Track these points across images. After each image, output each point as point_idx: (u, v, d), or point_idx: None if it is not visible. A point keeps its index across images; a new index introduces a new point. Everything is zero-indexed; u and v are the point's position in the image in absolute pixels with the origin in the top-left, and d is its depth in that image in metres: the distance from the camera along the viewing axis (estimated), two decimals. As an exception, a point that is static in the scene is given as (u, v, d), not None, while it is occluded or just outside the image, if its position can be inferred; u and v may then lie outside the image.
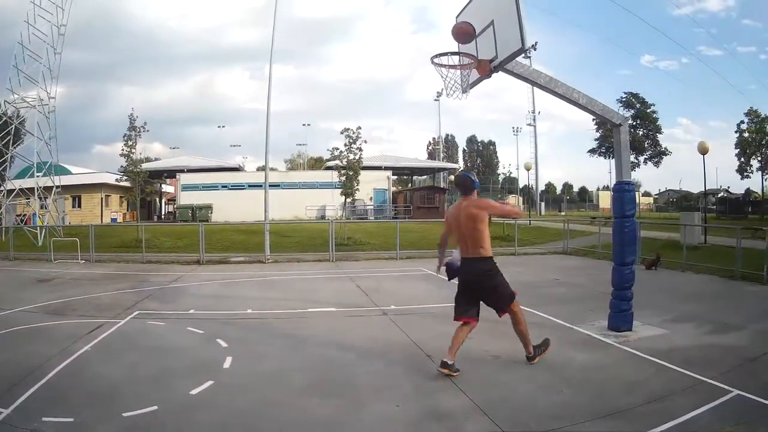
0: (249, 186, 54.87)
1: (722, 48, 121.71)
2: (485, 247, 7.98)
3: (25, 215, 40.02)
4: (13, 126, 36.95)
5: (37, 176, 36.24)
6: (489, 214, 8.14)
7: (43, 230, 30.86)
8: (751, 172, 62.76)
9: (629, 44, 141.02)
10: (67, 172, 50.18)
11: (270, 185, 27.01)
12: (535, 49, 66.74)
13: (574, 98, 9.63)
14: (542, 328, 9.96)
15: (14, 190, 36.87)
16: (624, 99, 64.02)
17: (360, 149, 33.18)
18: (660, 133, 65.42)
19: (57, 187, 37.48)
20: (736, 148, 63.06)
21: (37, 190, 36.30)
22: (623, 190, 9.88)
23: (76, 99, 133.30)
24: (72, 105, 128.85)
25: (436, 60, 9.51)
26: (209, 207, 53.72)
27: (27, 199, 38.18)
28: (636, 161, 62.37)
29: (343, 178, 33.21)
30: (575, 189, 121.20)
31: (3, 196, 37.38)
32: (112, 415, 6.13)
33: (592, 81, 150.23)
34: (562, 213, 78.49)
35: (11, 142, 37.08)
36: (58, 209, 39.81)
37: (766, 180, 62.02)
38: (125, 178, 35.81)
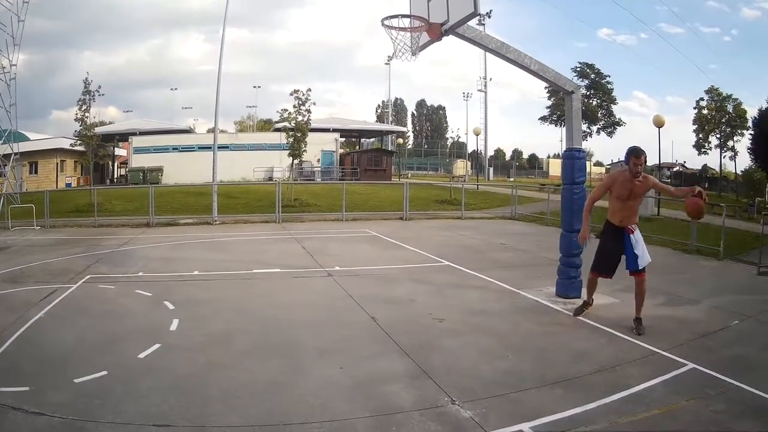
0: (199, 148, 53.24)
1: (684, 26, 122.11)
2: None
3: (-14, 185, 38.74)
4: None
5: None
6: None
7: (1, 198, 30.15)
8: (709, 149, 62.78)
9: (587, 17, 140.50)
10: (26, 139, 48.65)
11: (219, 147, 26.63)
12: (489, 17, 66.12)
13: (526, 64, 9.47)
14: (487, 292, 10.20)
15: None
16: (578, 69, 63.45)
17: (309, 111, 32.78)
18: (614, 104, 65.12)
19: (15, 154, 36.47)
20: (693, 124, 63.14)
21: None
22: (573, 157, 9.79)
23: (35, 65, 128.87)
24: (32, 71, 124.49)
25: (386, 22, 9.45)
26: (160, 169, 52.53)
27: None
28: (588, 131, 61.89)
29: (291, 140, 32.87)
30: (525, 156, 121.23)
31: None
32: (64, 382, 6.12)
33: (549, 52, 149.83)
34: (511, 179, 78.33)
35: None
36: (16, 176, 38.81)
37: (724, 157, 62.59)
38: (79, 142, 35.01)
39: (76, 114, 32.45)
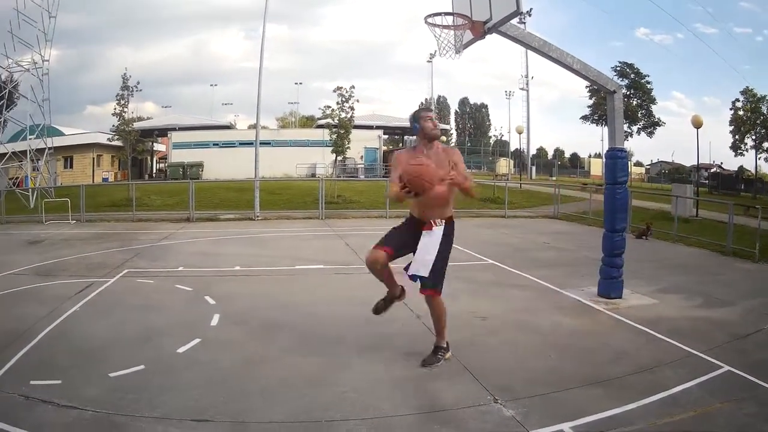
0: (240, 144, 54.01)
1: (718, 27, 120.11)
2: None
3: (17, 178, 39.58)
4: (7, 90, 36.49)
5: (30, 139, 35.84)
6: None
7: (35, 192, 30.61)
8: (746, 150, 61.58)
9: (624, 16, 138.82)
10: (60, 134, 49.52)
11: (261, 143, 26.73)
12: (530, 15, 65.56)
13: (568, 63, 9.47)
14: (530, 290, 10.11)
15: (6, 153, 36.51)
16: (618, 68, 63.13)
17: (352, 108, 33.13)
18: (654, 104, 64.65)
19: (49, 148, 37.10)
20: (730, 125, 61.92)
21: (30, 152, 35.93)
22: (616, 157, 9.75)
23: (70, 61, 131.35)
24: (65, 67, 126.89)
25: (429, 20, 9.36)
26: (200, 165, 53.18)
27: (20, 162, 37.85)
28: (629, 131, 61.46)
29: (335, 137, 33.02)
30: (567, 155, 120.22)
31: (-5, 159, 37.08)
32: (99, 375, 6.07)
33: (585, 50, 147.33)
34: (553, 178, 77.66)
35: (4, 106, 36.68)
36: (50, 171, 39.48)
37: (759, 158, 61.34)
38: (117, 137, 35.54)
39: (114, 109, 33.20)
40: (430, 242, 6.27)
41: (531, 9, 66.26)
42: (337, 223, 22.12)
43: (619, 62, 64.21)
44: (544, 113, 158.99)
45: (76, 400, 5.45)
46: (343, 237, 17.53)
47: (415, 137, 6.63)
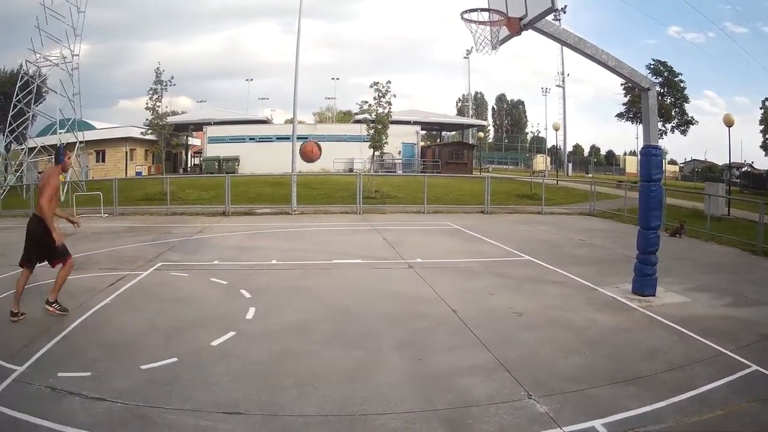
0: (277, 138, 54.11)
1: (748, 26, 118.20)
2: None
3: (48, 172, 40.14)
4: (35, 85, 37.15)
5: (60, 133, 36.48)
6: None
7: (65, 186, 31.05)
8: None
9: (656, 13, 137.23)
10: (91, 128, 50.35)
11: (298, 137, 26.73)
12: (564, 12, 65.46)
13: (603, 59, 9.66)
14: (565, 287, 10.24)
15: (36, 147, 37.12)
16: (652, 66, 62.49)
17: (389, 103, 33.10)
18: (687, 103, 64.09)
19: (80, 142, 37.67)
20: (760, 124, 61.66)
21: (60, 146, 36.37)
22: (650, 154, 9.95)
23: (101, 55, 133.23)
24: (96, 61, 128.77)
25: (466, 16, 9.64)
26: (236, 159, 53.57)
27: (50, 156, 38.45)
28: (663, 128, 60.99)
29: (372, 132, 33.13)
30: (603, 152, 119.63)
31: (24, 154, 37.72)
32: (129, 367, 6.13)
33: (618, 48, 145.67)
34: (589, 175, 77.32)
35: (33, 100, 37.33)
36: (81, 164, 40.06)
37: None
38: (150, 131, 35.95)
39: (147, 103, 33.42)
40: None
41: (565, 6, 66.08)
42: (375, 217, 22.15)
43: (653, 60, 63.41)
44: (580, 110, 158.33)
45: (105, 392, 5.50)
46: (380, 232, 17.52)
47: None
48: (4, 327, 7.58)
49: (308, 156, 7.96)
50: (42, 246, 8.34)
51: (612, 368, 6.36)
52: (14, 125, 37.76)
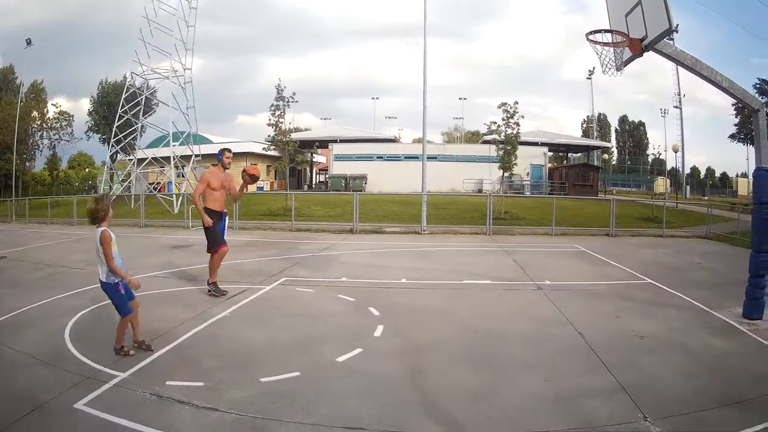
0: (405, 158, 55.13)
1: None
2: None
3: (158, 183, 41.94)
4: (143, 97, 38.74)
5: (174, 145, 38.14)
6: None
7: (180, 197, 31.99)
8: None
9: (762, 31, 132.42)
10: (207, 141, 52.18)
11: (427, 157, 26.90)
12: (677, 32, 63.91)
13: (717, 81, 9.91)
14: (684, 311, 10.32)
15: (146, 159, 38.52)
16: (758, 86, 60.30)
17: (517, 124, 33.93)
18: None
19: (196, 155, 38.93)
20: None
21: (174, 158, 38.07)
22: (763, 177, 9.96)
23: (219, 70, 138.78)
24: (214, 76, 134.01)
25: (590, 37, 10.41)
26: (363, 177, 54.44)
27: (161, 167, 39.87)
28: None
29: (501, 152, 33.34)
30: (717, 174, 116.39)
31: (133, 164, 39.24)
32: (248, 380, 6.17)
33: (725, 68, 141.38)
34: (705, 198, 75.88)
35: (141, 112, 38.87)
36: (197, 177, 41.40)
37: None
38: (273, 147, 36.79)
39: (269, 119, 34.50)
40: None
41: (677, 25, 64.77)
42: (504, 239, 22.03)
43: (759, 79, 61.05)
44: (695, 131, 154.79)
45: (218, 402, 5.55)
46: (510, 253, 17.37)
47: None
48: (107, 335, 7.62)
49: (250, 173, 8.84)
50: (212, 234, 10.84)
51: (722, 392, 6.39)
52: (120, 136, 39.83)
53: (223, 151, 11.26)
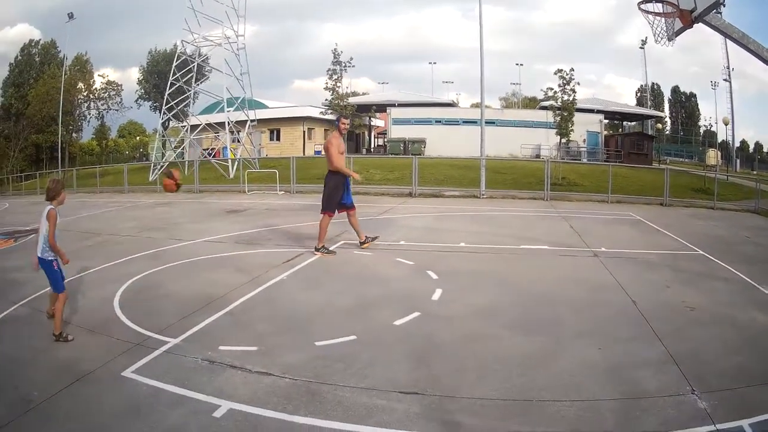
0: (464, 122, 54.55)
1: None
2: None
3: (213, 149, 42.34)
4: (195, 64, 38.99)
5: (228, 111, 38.50)
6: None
7: (236, 163, 32.19)
8: None
9: None
10: (263, 107, 52.61)
11: (485, 122, 26.78)
12: (724, 5, 62.57)
13: (764, 56, 9.89)
14: (732, 284, 10.22)
15: (199, 125, 38.79)
16: None
17: (573, 90, 33.92)
18: None
19: (252, 121, 39.15)
20: None
21: (228, 124, 38.30)
22: None
23: (274, 36, 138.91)
24: (269, 41, 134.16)
25: (642, 6, 10.64)
26: (422, 141, 54.08)
27: (216, 133, 40.12)
28: None
29: (558, 119, 33.13)
30: (765, 150, 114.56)
31: (186, 131, 39.58)
32: (302, 343, 6.17)
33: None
34: (754, 172, 74.61)
35: (194, 79, 39.09)
36: (254, 142, 41.60)
37: None
38: (330, 111, 36.79)
39: (326, 84, 34.51)
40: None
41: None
42: (562, 204, 21.87)
43: None
44: (744, 105, 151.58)
45: (271, 366, 5.56)
46: (567, 219, 17.23)
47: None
48: (161, 302, 7.80)
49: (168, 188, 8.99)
50: (332, 197, 11.24)
51: (764, 368, 6.24)
52: (172, 103, 40.32)
53: (339, 118, 12.18)
